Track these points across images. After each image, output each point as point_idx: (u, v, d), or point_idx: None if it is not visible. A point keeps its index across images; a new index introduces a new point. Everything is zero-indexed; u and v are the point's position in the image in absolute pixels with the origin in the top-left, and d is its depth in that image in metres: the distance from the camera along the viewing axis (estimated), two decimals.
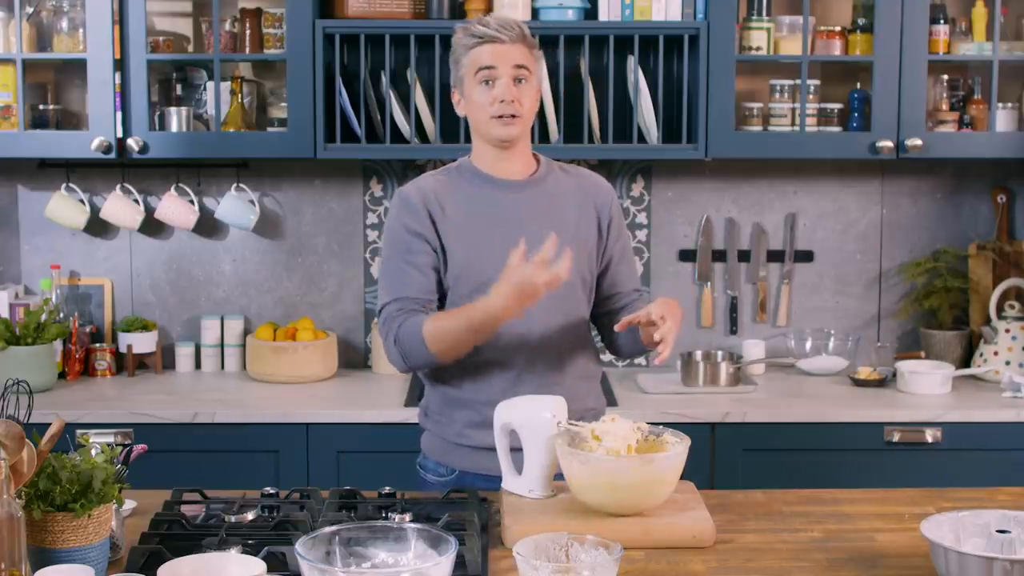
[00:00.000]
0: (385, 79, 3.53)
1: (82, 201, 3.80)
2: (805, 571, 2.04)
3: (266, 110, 3.83)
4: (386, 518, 2.16)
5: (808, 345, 3.90)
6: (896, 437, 3.39)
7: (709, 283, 3.93)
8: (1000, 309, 3.75)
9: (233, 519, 2.16)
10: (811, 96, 3.68)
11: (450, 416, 2.56)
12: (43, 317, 3.56)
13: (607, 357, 3.71)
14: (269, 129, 3.76)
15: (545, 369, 2.54)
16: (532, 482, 2.29)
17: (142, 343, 3.80)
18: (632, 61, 3.55)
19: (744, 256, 3.96)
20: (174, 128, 3.67)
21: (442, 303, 2.55)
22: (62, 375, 3.72)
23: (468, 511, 2.21)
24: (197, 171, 3.86)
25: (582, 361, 2.60)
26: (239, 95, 3.69)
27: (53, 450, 1.94)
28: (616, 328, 2.47)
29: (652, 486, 2.14)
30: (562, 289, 2.49)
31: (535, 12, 3.56)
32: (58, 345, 3.66)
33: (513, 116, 2.47)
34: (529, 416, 2.29)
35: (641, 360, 3.94)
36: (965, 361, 3.82)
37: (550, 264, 2.30)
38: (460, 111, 2.56)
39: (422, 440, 2.66)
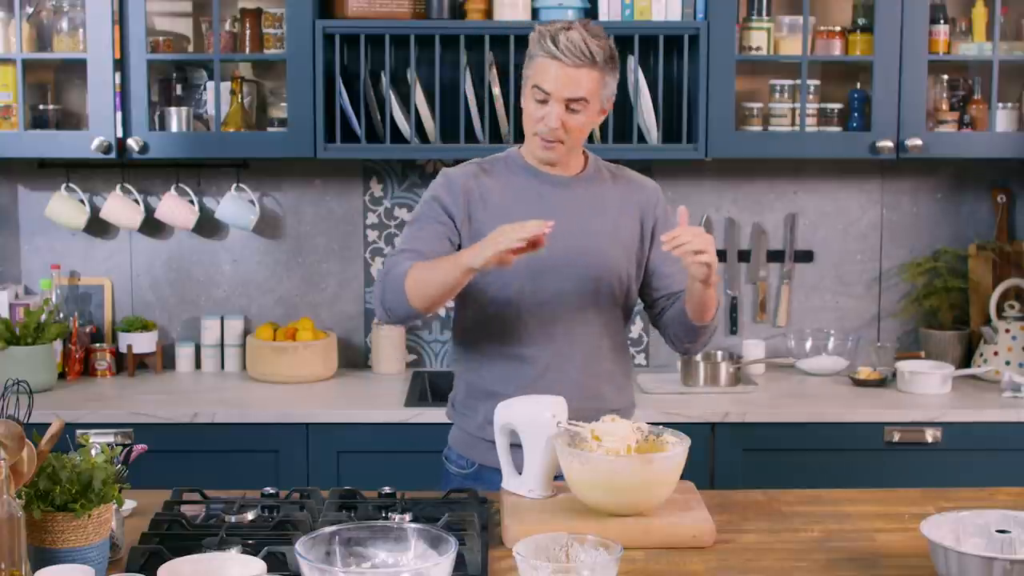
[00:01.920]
0: (385, 79, 3.53)
1: (82, 201, 3.80)
2: (805, 571, 2.04)
3: (266, 110, 3.83)
4: (386, 518, 2.16)
5: (808, 345, 3.90)
6: (896, 437, 3.39)
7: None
8: (1000, 309, 3.75)
9: (233, 519, 2.16)
10: (811, 96, 3.68)
11: (474, 408, 2.57)
12: (43, 317, 3.56)
13: None
14: (269, 129, 3.76)
15: (572, 367, 2.52)
16: (532, 482, 2.29)
17: (142, 343, 3.80)
18: (632, 61, 3.55)
19: (744, 256, 3.96)
20: (174, 128, 3.67)
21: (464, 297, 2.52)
22: (62, 375, 3.72)
23: (468, 511, 2.21)
24: (197, 171, 3.86)
25: (610, 361, 2.58)
26: (239, 95, 3.69)
27: (53, 450, 1.94)
28: (679, 215, 2.38)
29: (652, 486, 2.14)
30: (595, 287, 2.51)
31: (535, 12, 3.56)
32: (58, 345, 3.66)
33: (554, 142, 2.46)
34: (529, 416, 2.29)
35: (641, 360, 3.94)
36: (965, 361, 3.82)
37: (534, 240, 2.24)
38: (523, 103, 2.52)
39: (450, 431, 2.68)
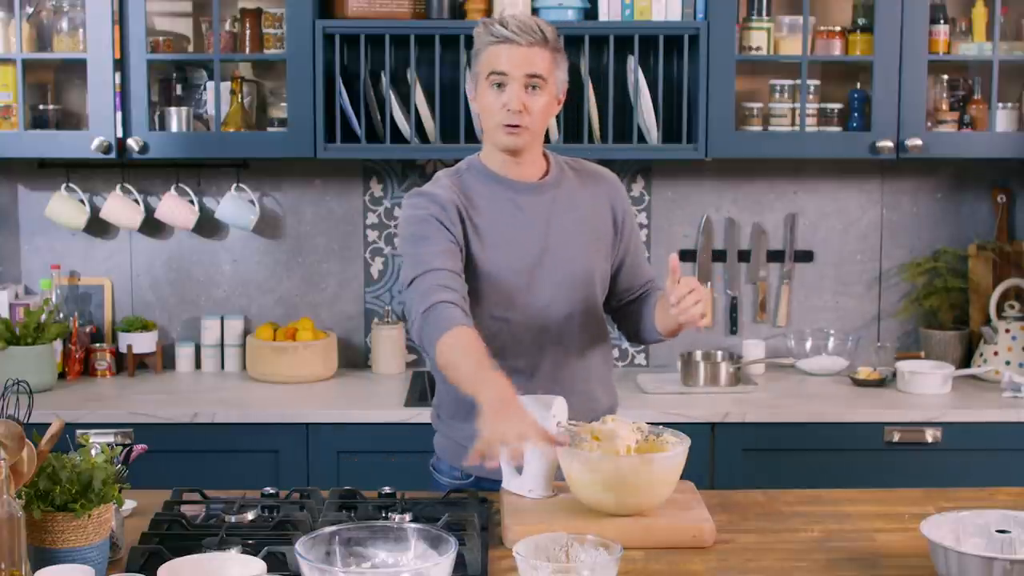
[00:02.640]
0: (385, 79, 3.53)
1: (82, 201, 3.80)
2: (805, 571, 2.04)
3: (266, 110, 3.83)
4: (386, 518, 2.15)
5: (808, 345, 3.90)
6: (896, 437, 3.39)
7: (709, 283, 3.92)
8: (1000, 309, 3.75)
9: (233, 519, 2.16)
10: (811, 96, 3.68)
11: (464, 418, 2.50)
12: (43, 317, 3.56)
13: None
14: (269, 129, 3.76)
15: (560, 369, 2.51)
16: (532, 482, 2.29)
17: (142, 343, 3.80)
18: (632, 61, 3.55)
19: (744, 256, 3.96)
20: (174, 128, 3.67)
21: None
22: (62, 375, 3.72)
23: (468, 511, 2.21)
24: (197, 171, 3.86)
25: (598, 362, 2.58)
26: (239, 95, 3.69)
27: (53, 450, 1.95)
28: (671, 264, 2.31)
29: (652, 486, 2.14)
30: (580, 285, 2.50)
31: (535, 12, 3.55)
32: (58, 345, 3.66)
33: (519, 126, 2.41)
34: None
35: (641, 360, 3.94)
36: (965, 361, 3.82)
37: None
38: (474, 109, 2.51)
39: (435, 441, 2.63)
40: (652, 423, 2.30)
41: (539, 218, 2.48)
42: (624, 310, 2.65)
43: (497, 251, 2.45)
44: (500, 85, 2.40)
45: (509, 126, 2.41)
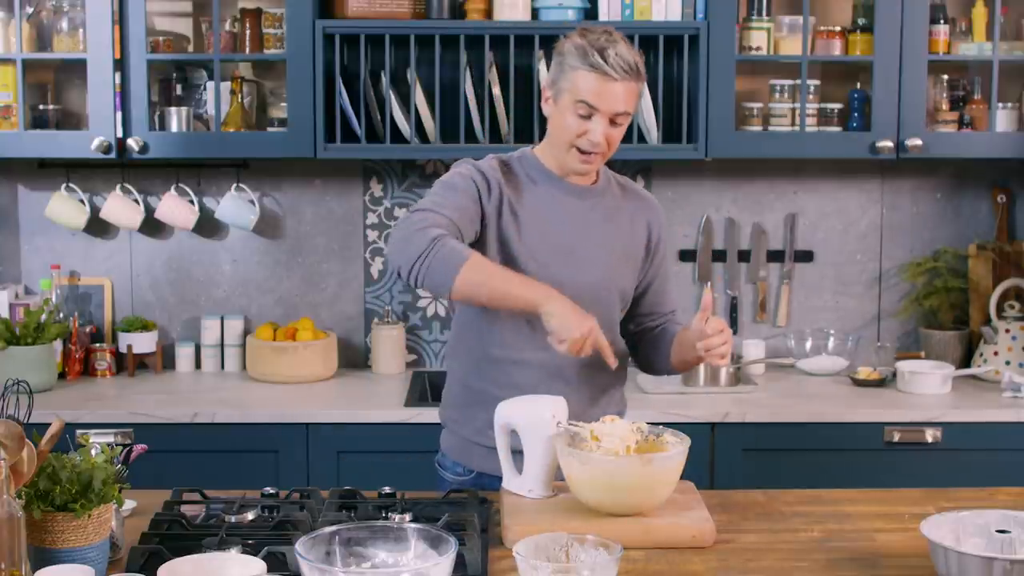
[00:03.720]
0: (385, 79, 3.53)
1: (82, 201, 3.80)
2: (805, 571, 2.04)
3: (266, 110, 3.83)
4: (386, 518, 2.15)
5: (808, 345, 3.90)
6: (896, 437, 3.39)
7: (709, 283, 3.92)
8: (1000, 309, 3.75)
9: (233, 519, 2.16)
10: (811, 96, 3.68)
11: (471, 415, 2.53)
12: (43, 317, 3.56)
13: None
14: (269, 129, 3.76)
15: (572, 378, 2.50)
16: (532, 482, 2.29)
17: (142, 343, 3.80)
18: None
19: (744, 256, 3.96)
20: (174, 128, 3.67)
21: None
22: (62, 375, 3.72)
23: (468, 511, 2.21)
24: (197, 171, 3.86)
25: (609, 373, 2.54)
26: (239, 95, 3.69)
27: (53, 450, 1.94)
28: (704, 302, 2.37)
29: (652, 486, 2.14)
30: (599, 296, 2.49)
31: (535, 12, 3.56)
32: (58, 345, 3.67)
33: (595, 154, 2.42)
34: (529, 416, 2.29)
35: None
36: (965, 361, 3.82)
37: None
38: (546, 110, 2.47)
39: (441, 437, 2.65)
40: (652, 423, 2.30)
41: (576, 219, 2.49)
42: (642, 336, 2.66)
43: (529, 238, 2.45)
44: (586, 115, 2.38)
45: (585, 154, 2.42)
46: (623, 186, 2.62)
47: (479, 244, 2.43)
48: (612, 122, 2.39)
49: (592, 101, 2.36)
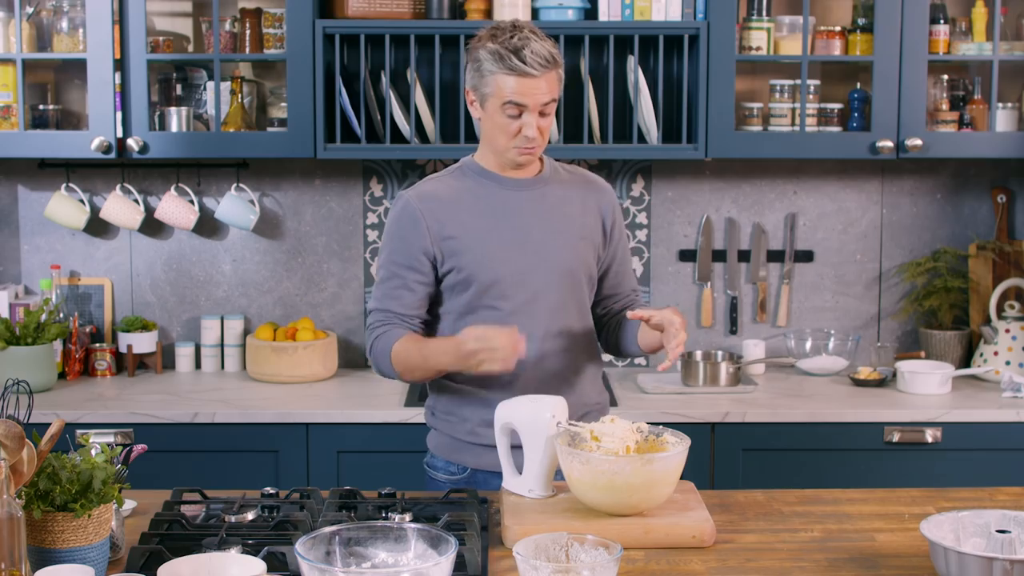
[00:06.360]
0: (385, 79, 3.53)
1: (82, 201, 3.80)
2: (805, 571, 2.04)
3: (266, 110, 3.83)
4: (386, 518, 2.16)
5: (808, 345, 3.90)
6: (896, 437, 3.39)
7: (709, 283, 3.93)
8: (1000, 309, 3.75)
9: (233, 519, 2.16)
10: (811, 96, 3.68)
11: (460, 415, 2.57)
12: (43, 317, 3.56)
13: (606, 357, 3.72)
14: (269, 129, 3.76)
15: (551, 365, 2.55)
16: (532, 482, 2.30)
17: (142, 343, 3.80)
18: (632, 61, 3.55)
19: (744, 256, 3.96)
20: (174, 128, 3.67)
21: (433, 313, 2.59)
22: (62, 375, 3.72)
23: (468, 511, 2.22)
24: (197, 171, 3.86)
25: (587, 357, 2.63)
26: (239, 95, 3.69)
27: (53, 450, 1.95)
28: (628, 316, 2.48)
29: (652, 486, 2.14)
30: (568, 279, 2.56)
31: (535, 12, 3.56)
32: (58, 345, 3.67)
33: (534, 147, 2.49)
34: (529, 416, 2.29)
35: (641, 360, 3.94)
36: (965, 361, 3.82)
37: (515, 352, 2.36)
38: (474, 113, 2.54)
39: (429, 439, 2.66)
40: (652, 423, 2.30)
41: (526, 211, 2.54)
42: (607, 320, 2.71)
43: (480, 248, 2.51)
44: (516, 115, 2.45)
45: (524, 148, 2.49)
46: (571, 172, 2.67)
47: (452, 264, 2.53)
48: (541, 113, 2.46)
49: (518, 100, 2.43)
